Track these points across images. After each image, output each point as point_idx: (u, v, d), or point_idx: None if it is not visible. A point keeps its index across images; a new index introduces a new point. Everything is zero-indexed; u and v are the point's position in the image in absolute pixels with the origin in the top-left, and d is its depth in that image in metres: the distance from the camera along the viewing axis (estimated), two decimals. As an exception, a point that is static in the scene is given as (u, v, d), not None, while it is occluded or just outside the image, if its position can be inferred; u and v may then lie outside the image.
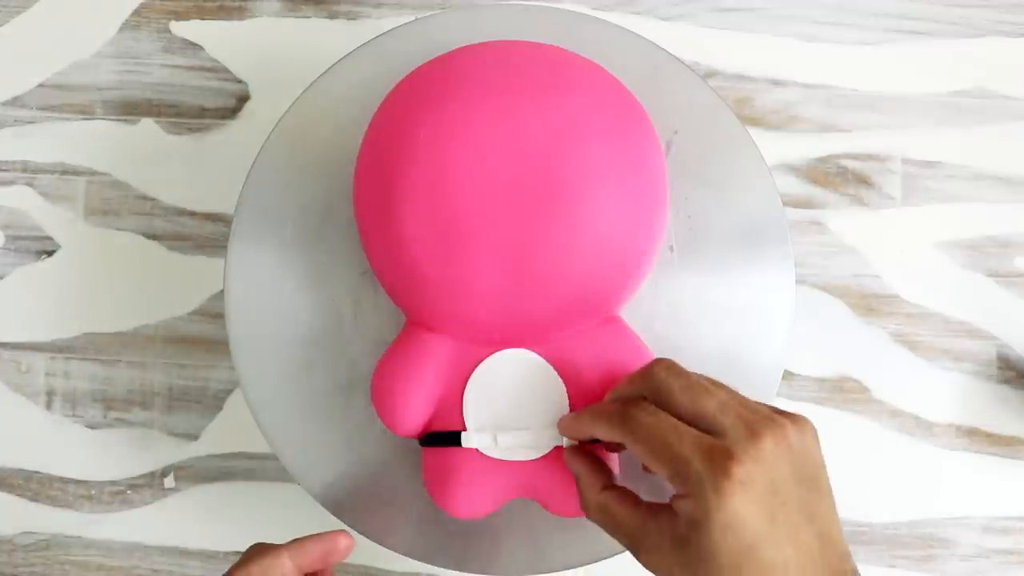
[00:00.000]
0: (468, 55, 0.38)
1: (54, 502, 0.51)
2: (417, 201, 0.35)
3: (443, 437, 0.37)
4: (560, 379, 0.37)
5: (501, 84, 0.36)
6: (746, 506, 0.29)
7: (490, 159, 0.35)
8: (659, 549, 0.31)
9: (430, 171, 0.35)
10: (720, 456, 0.29)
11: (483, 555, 0.41)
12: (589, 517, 0.34)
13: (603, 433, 0.33)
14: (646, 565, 0.32)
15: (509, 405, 0.37)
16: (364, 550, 0.50)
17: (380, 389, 0.38)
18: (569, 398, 0.37)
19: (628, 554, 0.33)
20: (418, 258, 0.36)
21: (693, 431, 0.30)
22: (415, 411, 0.37)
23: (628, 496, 0.33)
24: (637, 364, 0.37)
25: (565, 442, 0.36)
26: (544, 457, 0.37)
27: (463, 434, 0.36)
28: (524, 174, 0.35)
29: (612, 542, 0.34)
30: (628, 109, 0.38)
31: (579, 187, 0.35)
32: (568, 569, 0.40)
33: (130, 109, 0.52)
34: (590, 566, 0.40)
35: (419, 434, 0.38)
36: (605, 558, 0.40)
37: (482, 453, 0.36)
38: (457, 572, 0.41)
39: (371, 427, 0.41)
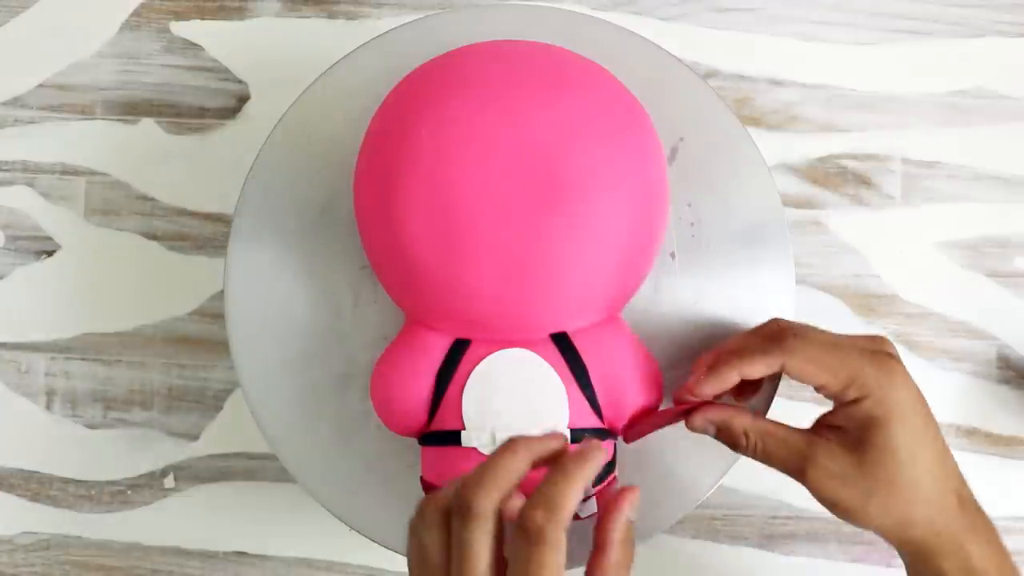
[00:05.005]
0: (471, 54, 0.38)
1: (54, 502, 0.51)
2: (418, 200, 0.35)
3: (442, 436, 0.37)
4: (559, 379, 0.37)
5: (504, 83, 0.36)
6: (914, 403, 0.32)
7: (492, 158, 0.35)
8: (831, 458, 0.33)
9: (432, 169, 0.35)
10: (887, 360, 0.33)
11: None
12: (747, 451, 0.35)
13: (756, 365, 0.34)
14: (814, 482, 0.33)
15: (508, 405, 0.37)
16: (364, 550, 0.50)
17: (379, 388, 0.38)
18: (568, 398, 0.37)
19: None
20: (419, 257, 0.36)
21: (855, 341, 0.34)
22: (414, 410, 0.37)
23: (779, 423, 0.35)
24: (637, 364, 0.37)
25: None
26: None
27: (462, 433, 0.36)
28: (525, 173, 0.35)
29: None
30: (630, 110, 0.38)
31: (580, 187, 0.35)
32: (567, 570, 0.40)
33: (130, 109, 0.52)
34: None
35: (418, 433, 0.38)
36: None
37: (481, 452, 0.36)
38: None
39: (369, 422, 0.41)
